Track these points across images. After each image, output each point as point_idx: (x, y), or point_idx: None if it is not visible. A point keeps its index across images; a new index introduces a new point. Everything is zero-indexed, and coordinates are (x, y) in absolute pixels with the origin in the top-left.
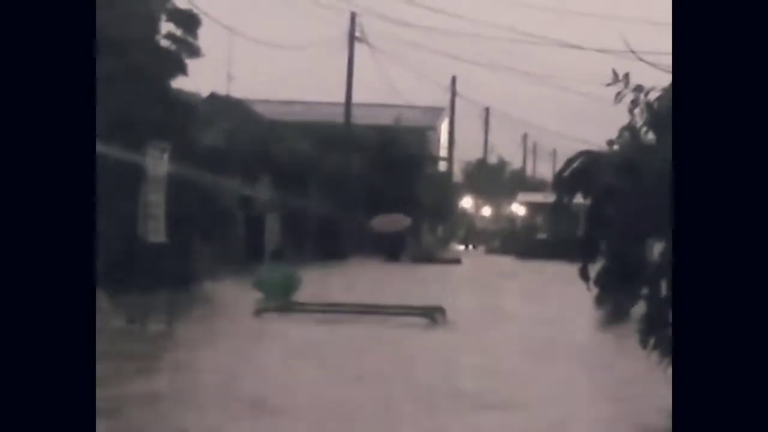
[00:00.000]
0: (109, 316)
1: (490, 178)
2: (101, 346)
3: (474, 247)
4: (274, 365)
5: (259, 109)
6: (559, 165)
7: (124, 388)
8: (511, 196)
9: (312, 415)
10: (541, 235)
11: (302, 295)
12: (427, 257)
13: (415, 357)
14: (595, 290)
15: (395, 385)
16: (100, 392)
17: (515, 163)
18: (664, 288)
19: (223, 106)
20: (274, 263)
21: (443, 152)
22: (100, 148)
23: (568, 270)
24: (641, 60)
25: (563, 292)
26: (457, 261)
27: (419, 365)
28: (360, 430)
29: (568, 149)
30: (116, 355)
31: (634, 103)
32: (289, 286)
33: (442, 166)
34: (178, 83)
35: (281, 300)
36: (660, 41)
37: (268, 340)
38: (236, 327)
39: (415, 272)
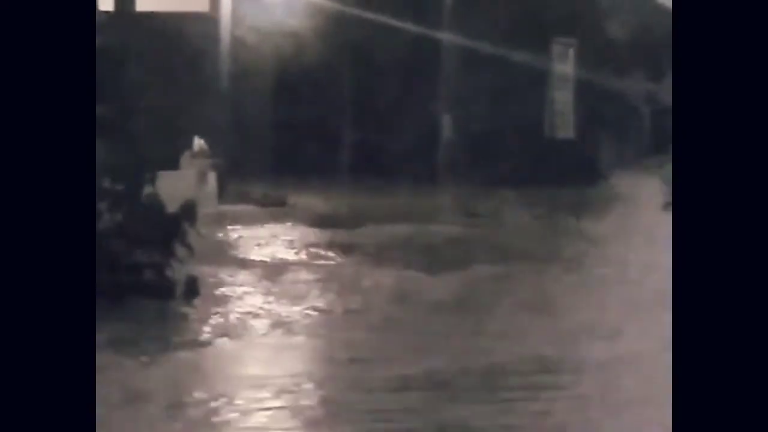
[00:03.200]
0: (518, 212)
1: None
2: (506, 242)
3: None
4: None
5: (662, 0)
6: None
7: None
8: None
9: None
10: None
11: None
12: None
13: None
14: None
15: None
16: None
17: None
18: None
19: None
20: None
21: None
22: (506, 50)
23: None
24: None
25: None
26: None
27: None
28: None
29: None
30: (519, 251)
31: None
32: None
33: None
34: None
35: None
36: None
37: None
38: (646, 220)
39: None
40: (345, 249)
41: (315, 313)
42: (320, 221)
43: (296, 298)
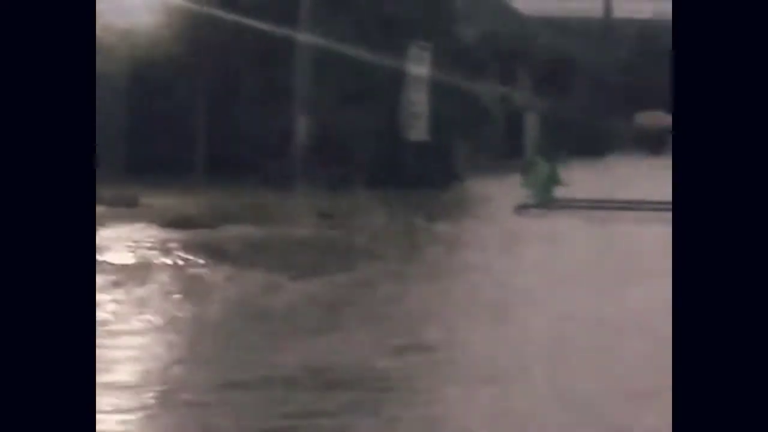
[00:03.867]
0: (370, 213)
1: None
2: (361, 243)
3: None
4: (531, 262)
5: (516, 5)
6: None
7: (386, 286)
8: None
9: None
10: None
11: (563, 191)
12: None
13: None
14: None
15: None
16: (358, 292)
17: None
18: None
19: (481, 3)
20: (538, 160)
21: None
22: (362, 52)
23: None
24: None
25: None
26: None
27: None
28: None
29: None
30: (379, 253)
31: None
32: (552, 182)
33: None
34: None
35: (544, 197)
36: None
37: (525, 236)
38: (497, 223)
39: None
40: (196, 251)
41: (145, 320)
42: (172, 222)
43: (134, 305)
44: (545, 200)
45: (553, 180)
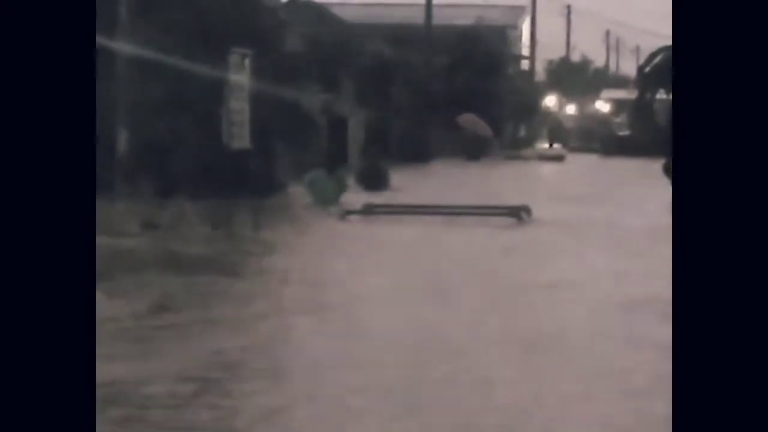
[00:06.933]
0: (195, 223)
1: (573, 76)
2: (189, 250)
3: (561, 145)
4: (356, 269)
5: (338, 12)
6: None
7: (217, 296)
8: (594, 94)
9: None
10: (625, 132)
11: (386, 197)
12: (536, 155)
13: (496, 259)
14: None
15: (471, 290)
16: (194, 303)
17: (598, 60)
18: None
19: (302, 10)
20: (321, 171)
21: (525, 51)
22: (181, 60)
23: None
24: None
25: (657, 192)
26: (560, 158)
27: (500, 269)
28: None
29: (651, 45)
30: (204, 263)
31: None
32: (338, 188)
33: (524, 65)
34: None
35: (329, 202)
36: None
37: (354, 242)
38: (323, 230)
39: (504, 171)
40: None
41: None
42: None
43: None
44: (329, 205)
45: (338, 188)
